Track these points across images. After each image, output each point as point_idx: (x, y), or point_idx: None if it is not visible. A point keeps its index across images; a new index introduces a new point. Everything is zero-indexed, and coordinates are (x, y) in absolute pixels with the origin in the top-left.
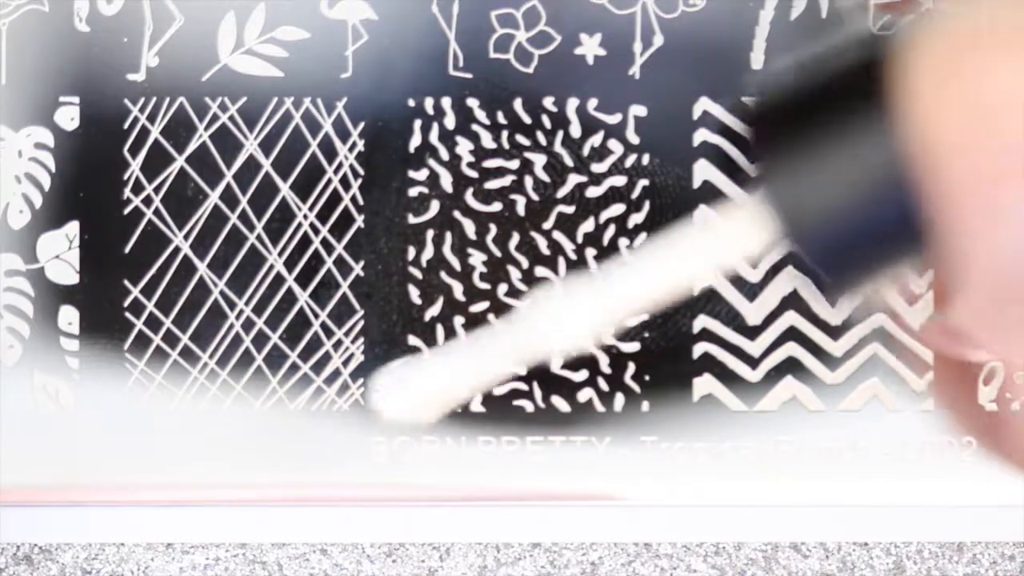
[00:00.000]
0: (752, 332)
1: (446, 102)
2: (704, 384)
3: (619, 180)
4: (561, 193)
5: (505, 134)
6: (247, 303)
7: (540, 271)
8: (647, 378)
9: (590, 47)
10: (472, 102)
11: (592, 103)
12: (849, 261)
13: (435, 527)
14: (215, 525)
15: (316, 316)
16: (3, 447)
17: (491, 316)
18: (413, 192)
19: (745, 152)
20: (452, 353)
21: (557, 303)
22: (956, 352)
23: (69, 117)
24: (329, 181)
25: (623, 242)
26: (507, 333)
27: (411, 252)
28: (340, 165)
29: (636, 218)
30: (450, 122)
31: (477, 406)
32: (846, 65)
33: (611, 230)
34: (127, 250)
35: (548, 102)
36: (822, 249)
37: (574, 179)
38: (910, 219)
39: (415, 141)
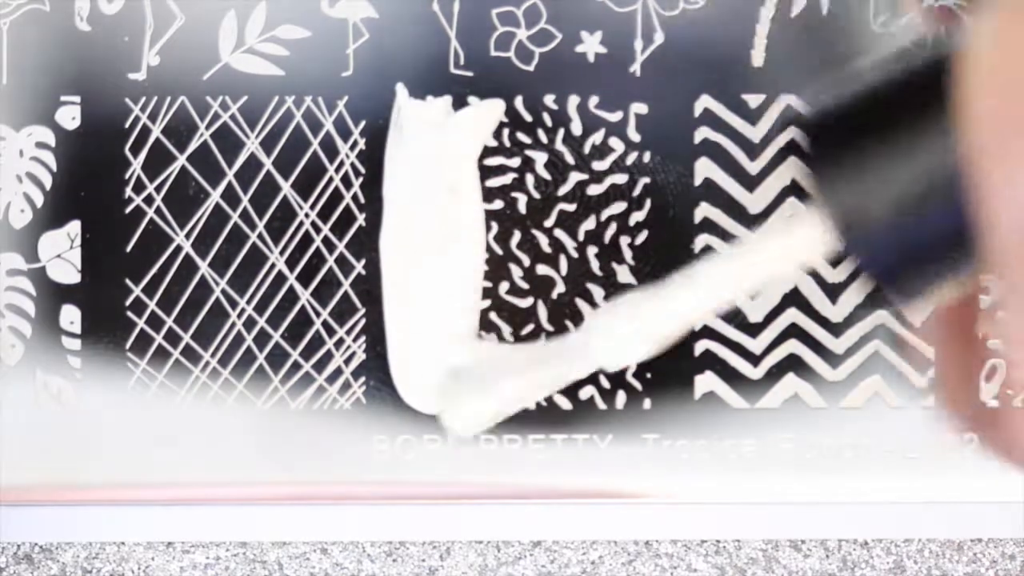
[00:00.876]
0: (753, 329)
1: (447, 100)
2: (706, 381)
3: (620, 178)
4: (562, 191)
5: (506, 132)
6: (249, 302)
7: (541, 269)
8: (649, 376)
9: (591, 45)
10: (473, 100)
11: (593, 101)
12: (911, 268)
13: (436, 525)
14: (215, 524)
15: (318, 315)
16: (5, 446)
17: (492, 314)
18: None
19: (807, 160)
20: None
21: (618, 318)
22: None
23: (70, 116)
24: (330, 179)
25: (624, 240)
26: (569, 346)
27: None
28: (341, 163)
29: (637, 216)
30: None
31: None
32: (904, 70)
33: (612, 228)
34: (128, 249)
35: (549, 100)
36: (884, 256)
37: (575, 177)
38: (972, 222)
39: None
